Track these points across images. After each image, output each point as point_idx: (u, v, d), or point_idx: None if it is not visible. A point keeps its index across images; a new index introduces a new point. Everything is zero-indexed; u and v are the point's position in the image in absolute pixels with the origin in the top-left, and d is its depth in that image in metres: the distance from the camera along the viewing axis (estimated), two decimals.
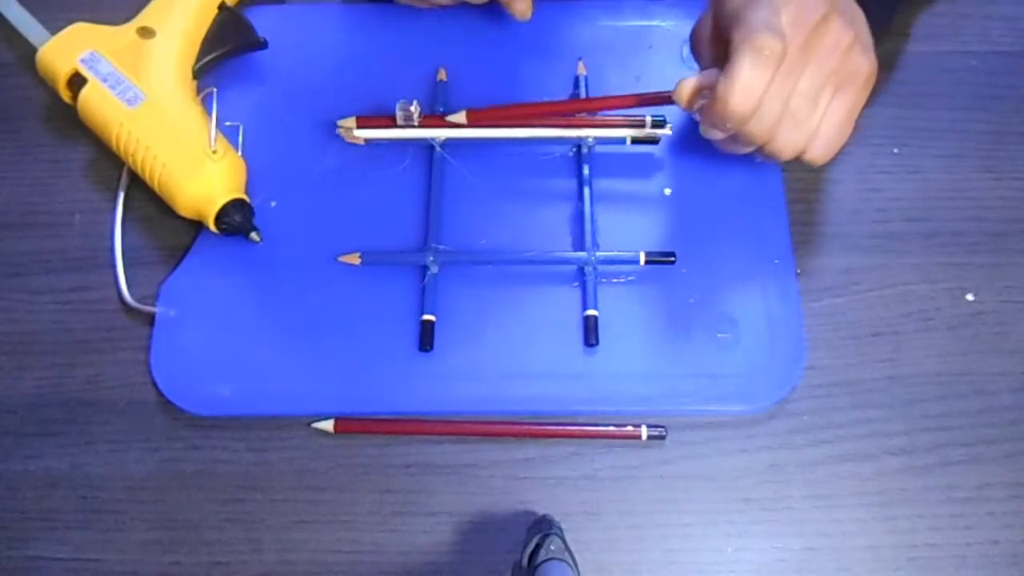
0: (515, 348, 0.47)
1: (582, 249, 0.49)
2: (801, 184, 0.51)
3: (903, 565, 0.43)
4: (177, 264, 0.50)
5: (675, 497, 0.45)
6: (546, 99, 0.52)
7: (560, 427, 0.46)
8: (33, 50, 0.52)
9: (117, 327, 0.49)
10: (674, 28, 0.55)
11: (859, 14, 0.45)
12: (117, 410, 0.47)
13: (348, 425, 0.46)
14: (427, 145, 0.52)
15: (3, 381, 0.48)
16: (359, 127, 0.51)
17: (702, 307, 0.48)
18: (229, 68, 0.54)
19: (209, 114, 0.49)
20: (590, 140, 0.51)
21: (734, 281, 0.48)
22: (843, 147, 0.44)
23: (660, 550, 0.44)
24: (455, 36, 0.55)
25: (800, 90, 0.42)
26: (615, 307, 0.48)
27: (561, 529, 0.40)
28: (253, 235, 0.49)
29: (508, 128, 0.51)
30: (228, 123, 0.50)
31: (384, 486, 0.45)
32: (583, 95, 0.53)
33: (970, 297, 0.49)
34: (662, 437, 0.45)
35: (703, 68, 0.45)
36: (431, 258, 0.48)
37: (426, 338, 0.47)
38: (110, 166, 0.53)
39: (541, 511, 0.44)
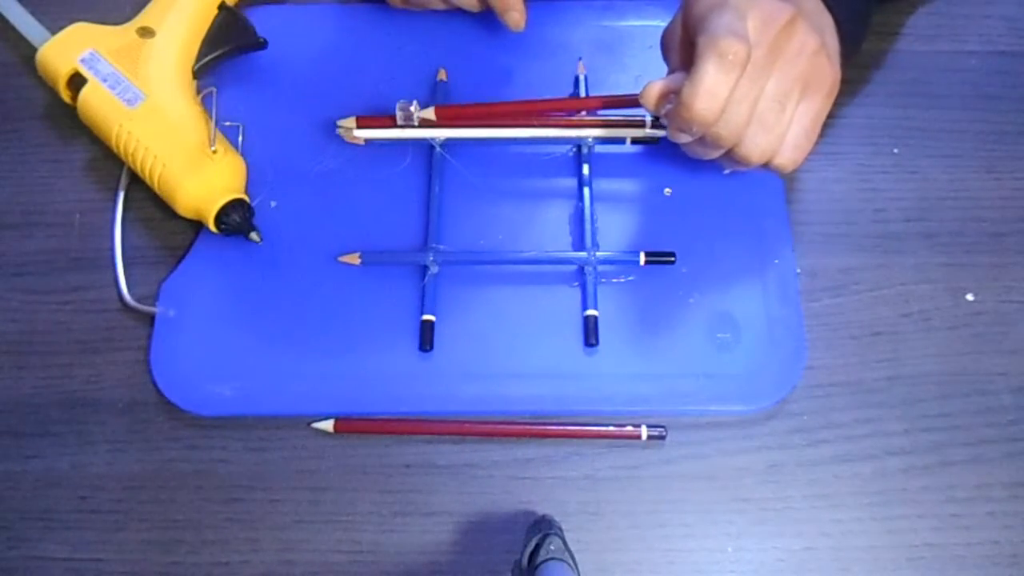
0: (515, 348, 0.47)
1: (582, 249, 0.49)
2: (801, 184, 0.51)
3: (903, 565, 0.43)
4: (177, 264, 0.50)
5: (675, 497, 0.45)
6: (543, 98, 0.52)
7: (560, 427, 0.46)
8: (33, 50, 0.52)
9: (117, 327, 0.49)
10: None
11: (828, 24, 0.45)
12: (117, 410, 0.47)
13: (348, 425, 0.46)
14: (427, 145, 0.52)
15: (3, 381, 0.48)
16: (359, 127, 0.51)
17: (702, 307, 0.48)
18: (229, 68, 0.54)
19: (209, 114, 0.49)
20: (590, 140, 0.51)
21: (734, 281, 0.48)
22: (808, 156, 0.44)
23: (660, 550, 0.44)
24: (455, 36, 0.55)
25: (767, 94, 0.42)
26: (615, 307, 0.48)
27: (561, 529, 0.40)
28: (253, 235, 0.49)
29: (508, 128, 0.51)
30: (228, 123, 0.50)
31: (384, 486, 0.45)
32: (583, 95, 0.53)
33: (970, 297, 0.49)
34: (662, 437, 0.45)
35: (671, 72, 0.45)
36: (431, 258, 0.48)
37: (426, 338, 0.47)
38: (110, 166, 0.53)
39: (541, 511, 0.44)
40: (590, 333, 0.47)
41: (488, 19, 0.55)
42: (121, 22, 0.53)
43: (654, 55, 0.54)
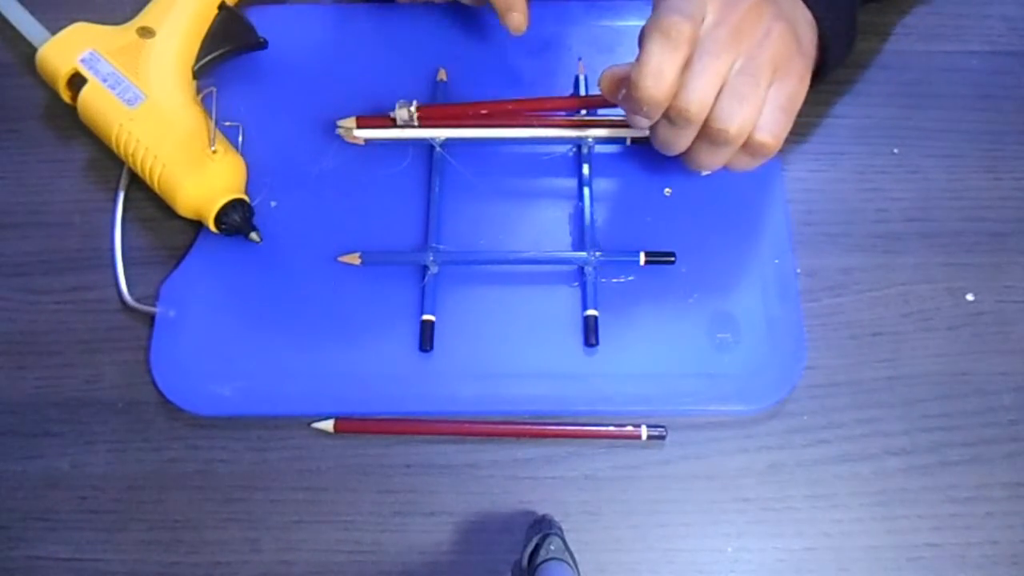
0: (515, 348, 0.47)
1: (582, 249, 0.49)
2: (801, 184, 0.51)
3: (903, 565, 0.43)
4: (177, 264, 0.50)
5: (675, 497, 0.45)
6: (539, 98, 0.52)
7: (560, 427, 0.46)
8: (33, 50, 0.52)
9: (117, 327, 0.49)
10: None
11: (803, 17, 0.46)
12: (117, 410, 0.47)
13: (348, 425, 0.46)
14: (427, 145, 0.52)
15: (3, 381, 0.48)
16: (359, 127, 0.51)
17: (702, 307, 0.48)
18: (229, 68, 0.54)
19: (209, 114, 0.49)
20: (590, 140, 0.51)
21: (734, 281, 0.48)
22: (786, 136, 0.44)
23: (660, 550, 0.44)
24: (455, 36, 0.55)
25: (739, 68, 0.42)
26: (615, 307, 0.48)
27: (561, 529, 0.40)
28: (253, 235, 0.49)
29: (508, 128, 0.51)
30: (228, 123, 0.50)
31: (384, 486, 0.45)
32: (583, 95, 0.53)
33: (970, 297, 0.49)
34: (662, 437, 0.45)
35: None
36: (431, 258, 0.48)
37: (426, 338, 0.47)
38: (110, 166, 0.52)
39: (541, 511, 0.44)
40: (590, 333, 0.47)
41: (488, 19, 0.55)
42: (121, 22, 0.53)
43: None
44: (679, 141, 0.45)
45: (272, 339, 0.48)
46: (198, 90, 0.52)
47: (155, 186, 0.49)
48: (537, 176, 0.52)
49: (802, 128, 0.52)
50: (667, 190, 0.51)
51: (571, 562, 0.37)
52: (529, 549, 0.37)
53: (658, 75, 0.41)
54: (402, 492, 0.45)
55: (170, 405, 0.47)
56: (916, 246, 0.50)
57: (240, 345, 0.48)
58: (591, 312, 0.47)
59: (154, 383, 0.47)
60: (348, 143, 0.52)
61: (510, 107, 0.51)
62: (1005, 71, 0.54)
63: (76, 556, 0.44)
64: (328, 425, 0.46)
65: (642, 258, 0.48)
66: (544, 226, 0.50)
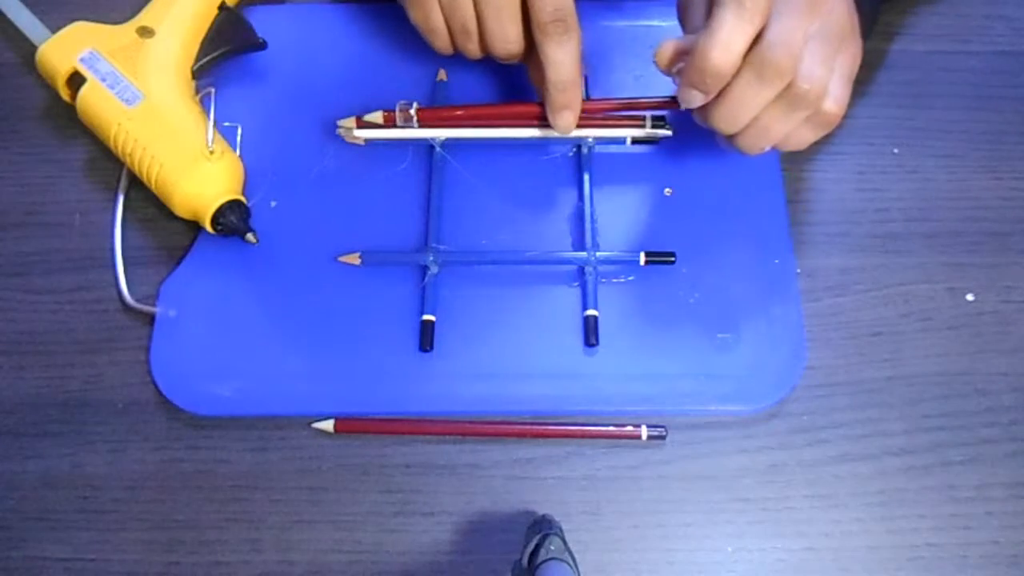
0: (515, 348, 0.47)
1: (582, 249, 0.49)
2: (801, 184, 0.51)
3: (903, 565, 0.43)
4: (177, 264, 0.50)
5: (675, 497, 0.45)
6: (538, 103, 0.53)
7: (560, 427, 0.46)
8: (34, 49, 0.52)
9: (117, 327, 0.49)
10: (674, 28, 0.55)
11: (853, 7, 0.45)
12: (117, 410, 0.47)
13: (348, 425, 0.46)
14: (427, 145, 0.52)
15: (3, 381, 0.48)
16: (359, 127, 0.51)
17: (702, 307, 0.48)
18: (228, 68, 0.54)
19: (207, 114, 0.49)
20: (590, 140, 0.51)
21: (734, 281, 0.48)
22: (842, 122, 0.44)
23: (660, 550, 0.44)
24: None
25: (818, 33, 0.41)
26: (615, 307, 0.48)
27: (561, 529, 0.40)
28: (249, 236, 0.49)
29: (508, 128, 0.51)
30: (227, 123, 0.50)
31: (384, 486, 0.45)
32: (583, 95, 0.53)
33: (970, 297, 0.49)
34: (662, 437, 0.45)
35: (688, 33, 0.45)
36: (431, 258, 0.48)
37: (426, 338, 0.47)
38: (110, 166, 0.52)
39: (541, 511, 0.44)
40: (590, 333, 0.47)
41: None
42: (121, 22, 0.53)
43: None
44: (754, 102, 0.42)
45: (272, 339, 0.48)
46: (197, 90, 0.52)
47: (152, 186, 0.49)
48: (537, 176, 0.52)
49: None
50: (667, 190, 0.51)
51: (571, 562, 0.37)
52: (529, 549, 0.37)
53: (728, 46, 0.40)
54: (402, 492, 0.45)
55: (170, 405, 0.47)
56: (916, 246, 0.50)
57: (240, 345, 0.48)
58: (591, 312, 0.47)
59: (154, 383, 0.47)
60: (348, 143, 0.52)
61: (510, 110, 0.50)
62: (1005, 71, 0.54)
63: (76, 556, 0.44)
64: (328, 425, 0.46)
65: (642, 258, 0.48)
66: (544, 226, 0.50)
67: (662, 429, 0.45)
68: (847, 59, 0.43)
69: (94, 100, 0.50)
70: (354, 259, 0.49)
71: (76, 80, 0.51)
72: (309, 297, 0.49)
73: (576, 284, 0.49)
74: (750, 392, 0.46)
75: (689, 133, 0.51)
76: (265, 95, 0.54)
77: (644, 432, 0.45)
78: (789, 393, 0.46)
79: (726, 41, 0.40)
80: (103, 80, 0.50)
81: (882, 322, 0.48)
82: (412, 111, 0.50)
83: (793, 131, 0.44)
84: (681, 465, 0.45)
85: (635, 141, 0.51)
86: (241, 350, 0.47)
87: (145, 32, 0.52)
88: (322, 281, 0.49)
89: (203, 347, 0.48)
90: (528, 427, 0.46)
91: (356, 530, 0.44)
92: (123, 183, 0.52)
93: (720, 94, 0.43)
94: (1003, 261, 0.49)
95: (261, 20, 0.54)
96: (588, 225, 0.49)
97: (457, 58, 0.53)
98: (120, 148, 0.49)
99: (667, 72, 0.44)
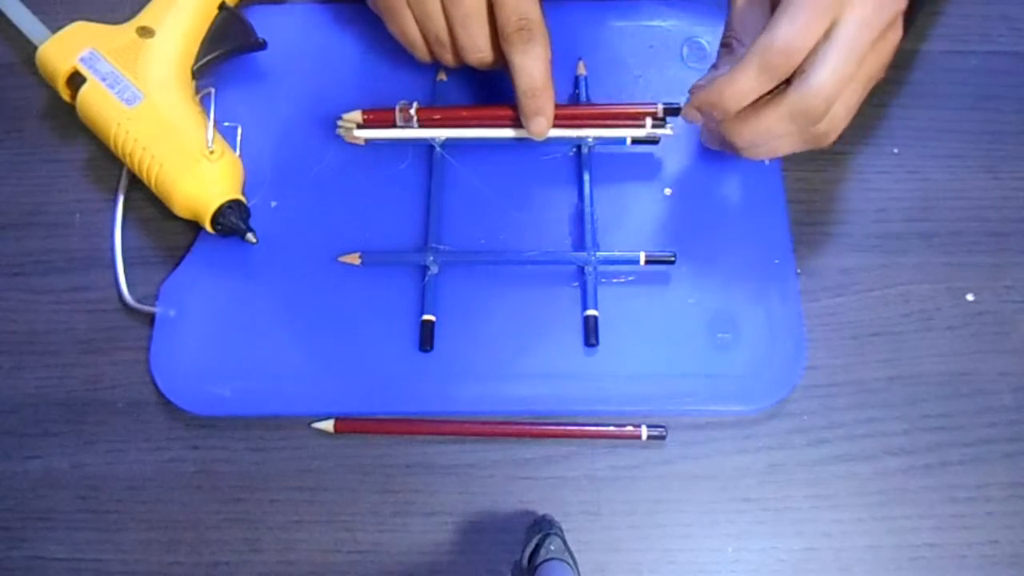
0: (515, 348, 0.47)
1: (582, 249, 0.49)
2: (801, 184, 0.51)
3: (903, 565, 0.43)
4: (177, 264, 0.50)
5: (675, 497, 0.45)
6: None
7: (560, 427, 0.46)
8: (34, 49, 0.52)
9: (117, 327, 0.49)
10: (674, 28, 0.55)
11: (901, 11, 0.45)
12: (117, 410, 0.47)
13: (348, 425, 0.46)
14: (427, 145, 0.52)
15: (3, 381, 0.48)
16: (365, 121, 0.51)
17: (702, 307, 0.48)
18: (228, 68, 0.54)
19: (207, 114, 0.49)
20: (590, 140, 0.51)
21: (734, 281, 0.48)
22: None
23: (660, 550, 0.44)
24: None
25: (862, 72, 0.42)
26: (615, 307, 0.48)
27: (561, 529, 0.40)
28: (249, 236, 0.49)
29: (508, 128, 0.51)
30: (227, 123, 0.50)
31: (384, 486, 0.45)
32: (583, 95, 0.53)
33: (970, 297, 0.49)
34: (662, 437, 0.45)
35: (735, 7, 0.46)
36: (431, 258, 0.48)
37: (426, 338, 0.47)
38: (110, 166, 0.52)
39: (541, 511, 0.44)
40: (590, 333, 0.47)
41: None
42: (121, 22, 0.53)
43: (654, 55, 0.54)
44: (778, 132, 0.44)
45: (272, 339, 0.48)
46: (197, 90, 0.52)
47: (152, 186, 0.49)
48: (537, 176, 0.52)
49: None
50: (667, 190, 0.51)
51: (571, 562, 0.37)
52: (529, 549, 0.37)
53: (742, 95, 0.42)
54: (402, 492, 0.45)
55: (170, 405, 0.47)
56: (916, 246, 0.50)
57: (240, 345, 0.48)
58: (591, 312, 0.47)
59: (154, 383, 0.47)
60: (348, 143, 0.52)
61: (509, 110, 0.50)
62: (1005, 71, 0.54)
63: (76, 556, 0.44)
64: (328, 425, 0.46)
65: (642, 258, 0.48)
66: (544, 226, 0.50)
67: (662, 429, 0.45)
68: (869, 86, 0.43)
69: (94, 100, 0.50)
70: (354, 259, 0.49)
71: (76, 80, 0.51)
72: (309, 297, 0.49)
73: (576, 284, 0.49)
74: (750, 392, 0.46)
75: (689, 133, 0.51)
76: (265, 95, 0.54)
77: (644, 432, 0.45)
78: (789, 393, 0.46)
79: (744, 90, 0.42)
80: (103, 80, 0.50)
81: (882, 322, 0.48)
82: (412, 111, 0.50)
83: (792, 150, 0.46)
84: (681, 465, 0.45)
85: (635, 141, 0.51)
86: (241, 350, 0.47)
87: (145, 32, 0.52)
88: (322, 281, 0.49)
89: (203, 347, 0.48)
90: (528, 427, 0.46)
91: (356, 530, 0.44)
92: (123, 183, 0.52)
93: (747, 117, 0.44)
94: (1003, 261, 0.49)
95: (261, 20, 0.54)
96: (588, 225, 0.49)
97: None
98: (120, 148, 0.49)
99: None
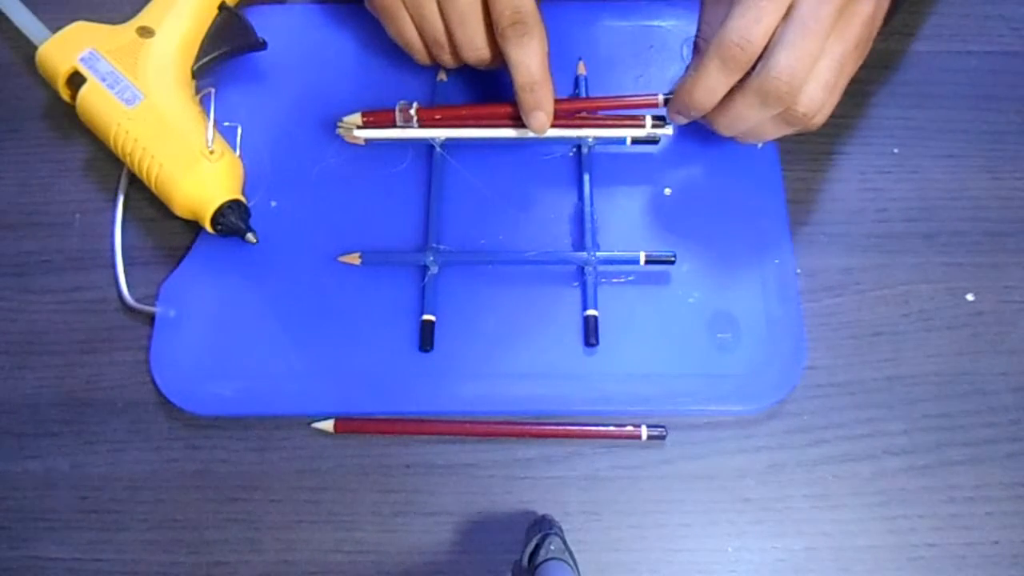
0: (515, 348, 0.47)
1: (582, 249, 0.49)
2: (801, 184, 0.51)
3: (903, 565, 0.43)
4: (177, 264, 0.50)
5: (675, 497, 0.45)
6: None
7: (560, 427, 0.46)
8: (34, 49, 0.52)
9: (117, 327, 0.49)
10: (674, 28, 0.55)
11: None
12: (117, 410, 0.47)
13: (348, 425, 0.46)
14: (427, 145, 0.52)
15: (3, 381, 0.48)
16: (364, 122, 0.51)
17: (702, 307, 0.48)
18: (228, 68, 0.54)
19: (207, 114, 0.49)
20: (590, 140, 0.51)
21: (734, 281, 0.48)
22: (785, 139, 0.47)
23: (660, 550, 0.44)
24: None
25: (830, 50, 0.42)
26: (615, 307, 0.48)
27: (561, 529, 0.40)
28: (249, 236, 0.49)
29: (508, 128, 0.51)
30: (227, 123, 0.50)
31: (384, 486, 0.45)
32: (583, 95, 0.53)
33: (970, 297, 0.49)
34: (662, 437, 0.45)
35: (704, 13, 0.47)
36: (431, 258, 0.48)
37: (426, 338, 0.47)
38: (110, 166, 0.52)
39: (541, 511, 0.44)
40: (590, 333, 0.47)
41: None
42: (121, 22, 0.53)
43: (654, 55, 0.54)
44: (754, 119, 0.45)
45: (272, 339, 0.48)
46: (197, 90, 0.52)
47: (152, 186, 0.49)
48: (537, 176, 0.52)
49: None
50: (667, 190, 0.51)
51: (571, 562, 0.37)
52: (529, 549, 0.37)
53: (710, 92, 0.44)
54: (402, 492, 0.45)
55: (170, 405, 0.47)
56: (916, 246, 0.50)
57: (240, 345, 0.48)
58: (591, 312, 0.47)
59: (154, 383, 0.47)
60: (348, 143, 0.52)
61: (509, 110, 0.50)
62: (1005, 71, 0.54)
63: (76, 556, 0.44)
64: (328, 425, 0.46)
65: (642, 258, 0.48)
66: (544, 226, 0.50)
67: (662, 429, 0.45)
68: (851, 68, 0.44)
69: (94, 100, 0.50)
70: (354, 259, 0.49)
71: (76, 80, 0.51)
72: (309, 297, 0.49)
73: (576, 284, 0.49)
74: (750, 392, 0.46)
75: (689, 133, 0.51)
76: (265, 95, 0.54)
77: (644, 432, 0.45)
78: (789, 393, 0.46)
79: (711, 87, 0.44)
80: (103, 80, 0.50)
81: (882, 322, 0.48)
82: (412, 111, 0.50)
83: (779, 133, 0.47)
84: (681, 465, 0.45)
85: (635, 141, 0.51)
86: (241, 350, 0.47)
87: (145, 32, 0.52)
88: (322, 281, 0.49)
89: (203, 347, 0.48)
90: (528, 427, 0.46)
91: (356, 530, 0.44)
92: (123, 183, 0.52)
93: (722, 107, 0.45)
94: (1003, 261, 0.49)
95: (261, 20, 0.54)
96: (588, 225, 0.49)
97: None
98: (120, 148, 0.49)
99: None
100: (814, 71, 0.42)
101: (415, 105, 0.50)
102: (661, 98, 0.50)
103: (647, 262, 0.48)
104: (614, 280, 0.49)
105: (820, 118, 0.44)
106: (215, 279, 0.49)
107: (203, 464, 0.46)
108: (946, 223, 0.50)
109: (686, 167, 0.51)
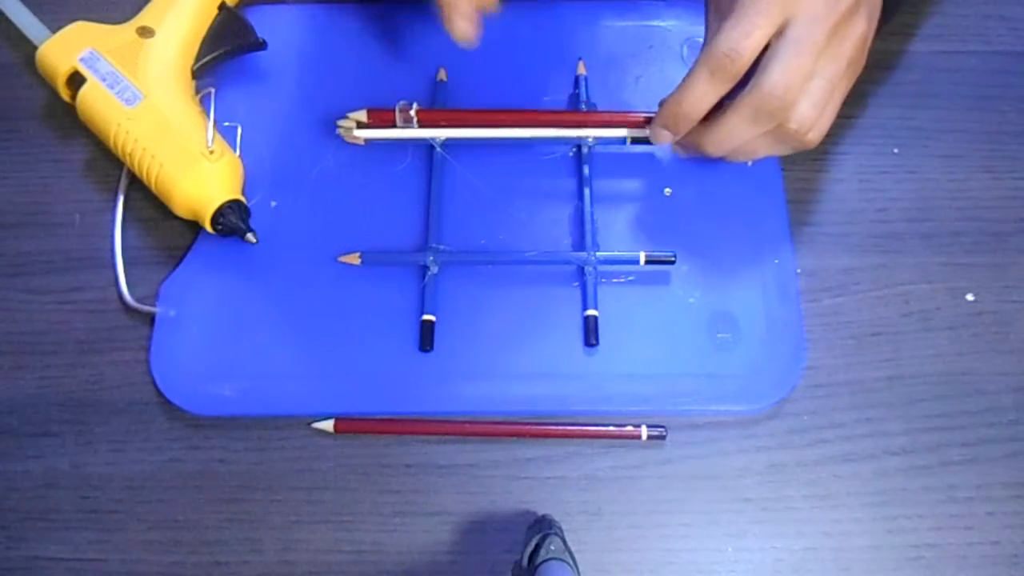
0: (515, 348, 0.47)
1: (582, 249, 0.49)
2: (801, 184, 0.51)
3: (903, 565, 0.43)
4: (177, 264, 0.50)
5: (675, 497, 0.45)
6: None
7: (560, 427, 0.46)
8: (34, 49, 0.52)
9: (117, 327, 0.49)
10: (674, 28, 0.55)
11: (877, 10, 0.45)
12: (117, 410, 0.47)
13: (348, 425, 0.46)
14: (427, 145, 0.52)
15: (3, 381, 0.48)
16: (369, 120, 0.51)
17: (702, 307, 0.48)
18: (228, 68, 0.54)
19: (207, 114, 0.49)
20: (590, 140, 0.51)
21: (734, 281, 0.48)
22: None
23: (660, 550, 0.44)
24: None
25: (823, 67, 0.42)
26: (615, 307, 0.48)
27: (561, 529, 0.40)
28: (249, 236, 0.49)
29: (508, 128, 0.51)
30: (227, 123, 0.50)
31: (384, 486, 0.45)
32: (583, 95, 0.53)
33: (970, 297, 0.49)
34: (662, 437, 0.45)
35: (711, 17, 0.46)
36: (431, 258, 0.48)
37: (426, 338, 0.47)
38: (110, 166, 0.52)
39: (541, 511, 0.44)
40: (590, 333, 0.47)
41: (487, 20, 0.55)
42: (121, 22, 0.53)
43: (654, 55, 0.54)
44: (745, 135, 0.45)
45: (272, 339, 0.48)
46: (197, 90, 0.52)
47: (152, 186, 0.49)
48: (537, 176, 0.52)
49: None
50: (667, 190, 0.51)
51: (571, 562, 0.37)
52: (529, 549, 0.37)
53: (698, 101, 0.44)
54: (402, 492, 0.45)
55: (170, 405, 0.47)
56: (916, 246, 0.50)
57: (240, 345, 0.48)
58: (591, 312, 0.47)
59: (154, 383, 0.47)
60: (348, 143, 0.52)
61: (509, 110, 0.51)
62: (1005, 71, 0.54)
63: (76, 556, 0.44)
64: (328, 425, 0.46)
65: (642, 258, 0.48)
66: (544, 226, 0.50)
67: (662, 429, 0.45)
68: (844, 87, 0.44)
69: (94, 100, 0.50)
70: (354, 259, 0.49)
71: (76, 80, 0.51)
72: (309, 297, 0.49)
73: (576, 284, 0.49)
74: (750, 392, 0.46)
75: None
76: (265, 95, 0.54)
77: (644, 432, 0.45)
78: (789, 393, 0.46)
79: (699, 96, 0.44)
80: (103, 80, 0.50)
81: (882, 322, 0.48)
82: (412, 111, 0.50)
83: (771, 151, 0.47)
84: (681, 465, 0.45)
85: (635, 141, 0.51)
86: (241, 350, 0.47)
87: (145, 32, 0.52)
88: (322, 281, 0.49)
89: (203, 347, 0.48)
90: (528, 427, 0.46)
91: (356, 530, 0.44)
92: (123, 183, 0.52)
93: (714, 124, 0.45)
94: (1003, 261, 0.49)
95: (261, 20, 0.54)
96: (588, 225, 0.49)
97: (457, 58, 0.53)
98: (120, 148, 0.49)
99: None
100: (806, 89, 0.42)
101: (415, 106, 0.50)
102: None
103: (647, 262, 0.48)
104: (614, 280, 0.49)
105: (814, 135, 0.44)
106: (215, 279, 0.49)
107: (203, 464, 0.46)
108: (946, 223, 0.50)
109: (686, 167, 0.51)
